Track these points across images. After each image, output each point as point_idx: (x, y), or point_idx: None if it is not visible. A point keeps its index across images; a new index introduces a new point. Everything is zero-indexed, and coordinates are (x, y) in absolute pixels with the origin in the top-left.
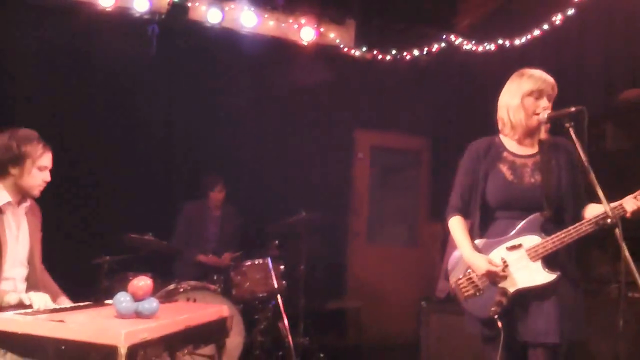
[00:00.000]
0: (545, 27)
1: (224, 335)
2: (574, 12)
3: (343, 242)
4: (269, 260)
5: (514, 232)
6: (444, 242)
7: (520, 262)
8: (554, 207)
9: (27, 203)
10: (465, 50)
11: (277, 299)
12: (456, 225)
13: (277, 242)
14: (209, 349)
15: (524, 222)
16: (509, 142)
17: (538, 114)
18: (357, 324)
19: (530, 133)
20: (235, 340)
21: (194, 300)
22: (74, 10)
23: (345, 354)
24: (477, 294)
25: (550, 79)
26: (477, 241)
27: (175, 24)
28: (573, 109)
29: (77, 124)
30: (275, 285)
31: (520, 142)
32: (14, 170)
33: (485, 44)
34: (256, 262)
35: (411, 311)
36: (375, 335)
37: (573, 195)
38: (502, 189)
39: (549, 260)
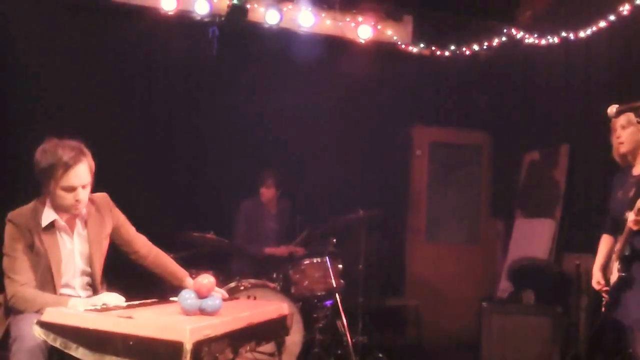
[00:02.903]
0: (612, 18)
1: (284, 333)
2: None
3: (402, 240)
4: (327, 258)
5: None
6: (506, 239)
7: (614, 263)
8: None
9: (84, 211)
10: (528, 44)
11: (335, 298)
12: (600, 243)
13: (334, 240)
14: (269, 347)
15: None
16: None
17: (620, 143)
18: (417, 323)
19: (630, 158)
20: (294, 338)
21: (254, 298)
22: (137, 16)
23: (404, 352)
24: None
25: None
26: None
27: (235, 25)
28: None
29: (141, 125)
30: (334, 284)
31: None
32: (44, 189)
33: (549, 36)
34: (314, 261)
35: (472, 310)
36: (435, 334)
37: None
38: (612, 205)
39: (630, 261)
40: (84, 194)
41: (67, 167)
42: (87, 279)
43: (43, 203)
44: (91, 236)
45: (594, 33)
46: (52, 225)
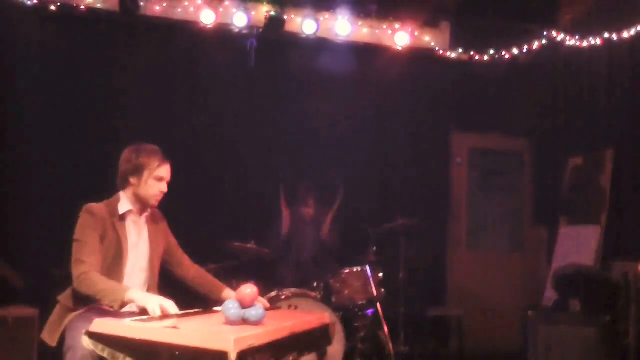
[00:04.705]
0: None
1: (327, 342)
2: None
3: (442, 249)
4: (368, 267)
5: None
6: (550, 247)
7: None
8: None
9: (147, 212)
10: (569, 47)
11: (376, 307)
12: None
13: (374, 248)
14: (311, 356)
15: None
16: None
17: None
18: (459, 333)
19: None
20: (336, 348)
21: (295, 307)
22: (177, 30)
23: None
24: None
25: None
26: None
27: (273, 37)
28: None
29: (182, 137)
30: (375, 293)
31: None
32: (133, 180)
33: (591, 38)
34: (355, 270)
35: (515, 320)
36: (478, 345)
37: None
38: None
39: None
40: (165, 190)
41: (164, 161)
42: (145, 278)
43: (117, 198)
44: (151, 237)
45: (638, 34)
46: (124, 217)
